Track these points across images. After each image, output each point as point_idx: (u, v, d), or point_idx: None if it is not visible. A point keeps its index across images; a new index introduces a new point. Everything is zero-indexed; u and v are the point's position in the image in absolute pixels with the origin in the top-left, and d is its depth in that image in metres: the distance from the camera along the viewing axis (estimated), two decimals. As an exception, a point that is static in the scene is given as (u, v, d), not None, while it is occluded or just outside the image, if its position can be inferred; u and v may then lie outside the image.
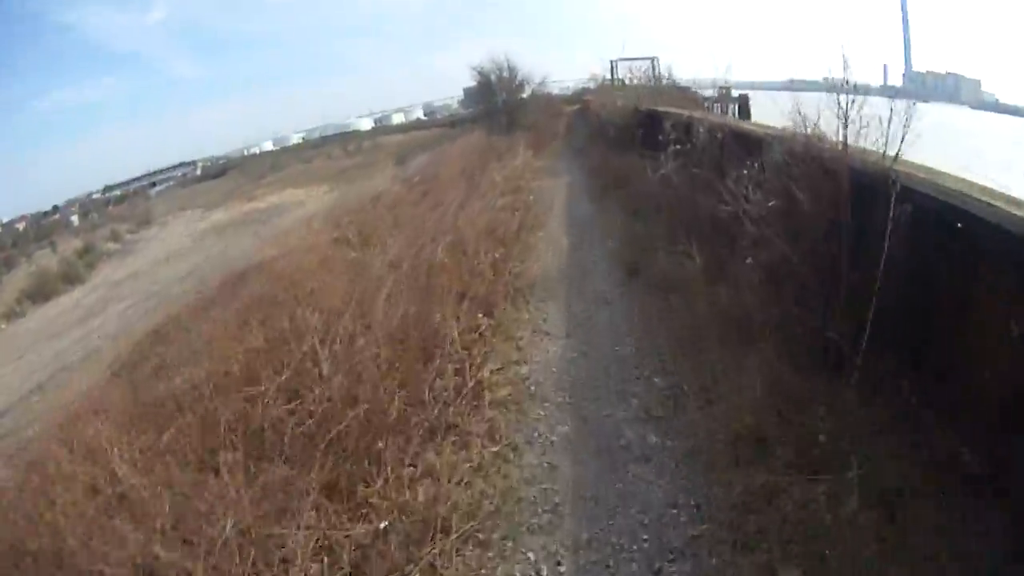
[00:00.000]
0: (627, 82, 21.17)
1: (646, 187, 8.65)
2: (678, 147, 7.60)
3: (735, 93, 13.70)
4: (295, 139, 76.76)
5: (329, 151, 42.38)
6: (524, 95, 24.71)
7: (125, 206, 50.27)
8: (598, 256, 8.00)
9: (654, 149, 8.80)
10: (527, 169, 15.17)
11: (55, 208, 70.32)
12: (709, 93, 15.32)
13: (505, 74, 24.58)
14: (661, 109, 11.34)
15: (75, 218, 60.80)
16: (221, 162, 71.97)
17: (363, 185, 21.74)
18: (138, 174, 74.88)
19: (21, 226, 59.06)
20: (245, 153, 75.19)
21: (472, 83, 26.48)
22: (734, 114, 12.47)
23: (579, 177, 14.02)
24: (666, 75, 20.23)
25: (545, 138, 20.12)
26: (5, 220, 62.82)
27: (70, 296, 19.18)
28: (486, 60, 24.96)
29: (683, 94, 16.35)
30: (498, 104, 24.28)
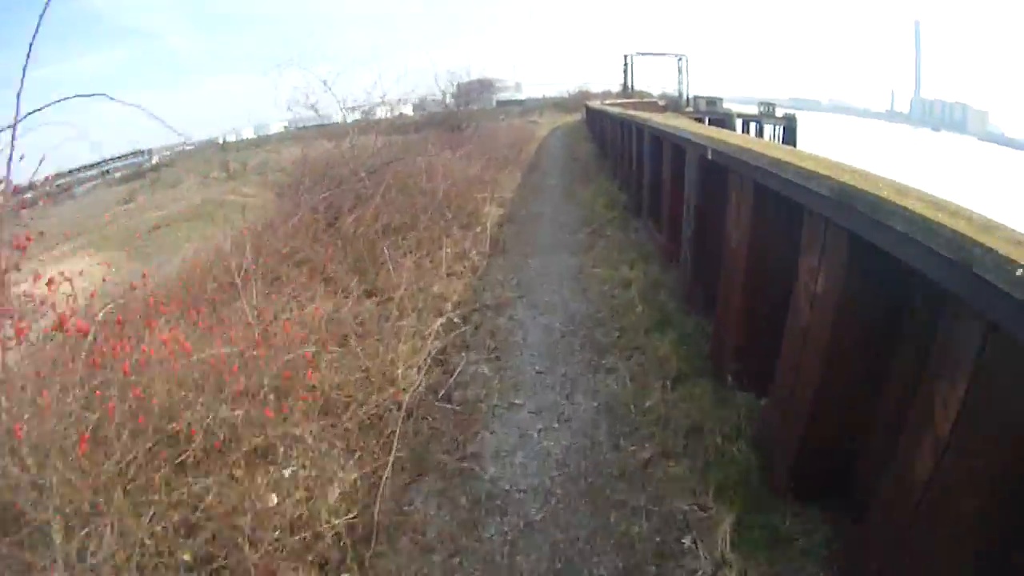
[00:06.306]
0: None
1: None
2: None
3: (779, 112, 10.95)
4: (276, 127, 72.54)
5: (211, 169, 33.52)
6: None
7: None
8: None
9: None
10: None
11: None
12: (737, 108, 12.67)
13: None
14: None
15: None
16: (190, 147, 66.25)
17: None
18: (107, 156, 68.37)
19: None
20: (222, 140, 70.77)
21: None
22: (778, 139, 9.82)
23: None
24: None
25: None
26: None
27: None
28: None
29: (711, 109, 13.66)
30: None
